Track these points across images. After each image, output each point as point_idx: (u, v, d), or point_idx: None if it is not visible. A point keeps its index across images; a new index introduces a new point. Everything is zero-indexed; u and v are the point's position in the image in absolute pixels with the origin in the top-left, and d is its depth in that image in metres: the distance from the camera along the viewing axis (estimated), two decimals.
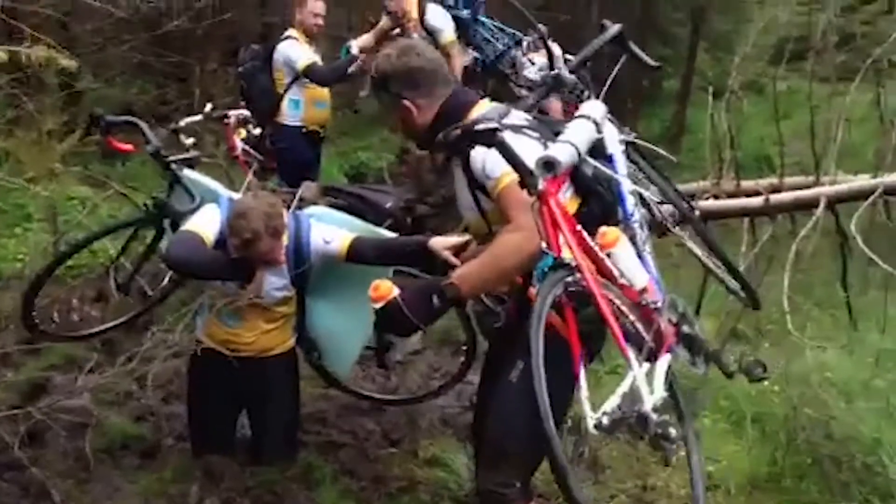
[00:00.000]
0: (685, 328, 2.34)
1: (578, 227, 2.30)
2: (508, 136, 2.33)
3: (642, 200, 2.67)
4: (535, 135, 2.56)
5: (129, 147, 4.08)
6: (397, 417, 4.01)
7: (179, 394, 3.79)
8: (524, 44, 5.57)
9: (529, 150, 2.40)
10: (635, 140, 2.85)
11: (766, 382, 3.82)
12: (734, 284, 2.87)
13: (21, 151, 6.07)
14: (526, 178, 2.24)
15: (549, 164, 2.21)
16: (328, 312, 3.50)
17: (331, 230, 3.29)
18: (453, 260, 2.81)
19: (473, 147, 2.38)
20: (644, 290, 2.31)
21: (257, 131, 5.10)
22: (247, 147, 5.31)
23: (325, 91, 5.43)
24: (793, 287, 4.93)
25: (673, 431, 1.96)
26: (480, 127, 2.26)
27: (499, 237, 2.45)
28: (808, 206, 4.23)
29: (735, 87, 6.43)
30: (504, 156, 2.26)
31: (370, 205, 3.54)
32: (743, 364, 2.45)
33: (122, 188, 5.52)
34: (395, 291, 2.43)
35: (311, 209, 3.46)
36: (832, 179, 4.97)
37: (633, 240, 2.49)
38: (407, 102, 2.64)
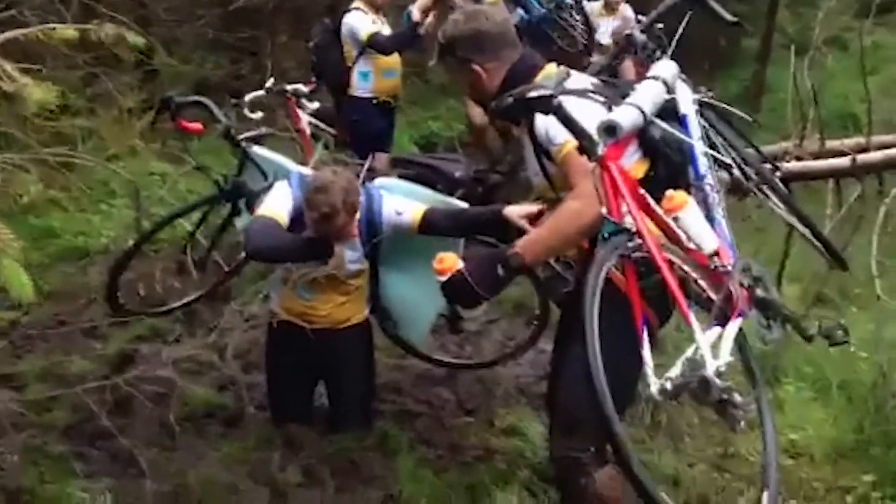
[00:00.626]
0: (759, 292, 2.27)
1: (642, 192, 2.26)
2: (568, 102, 2.29)
3: (720, 162, 2.60)
4: (601, 98, 2.52)
5: (198, 126, 4.14)
6: (472, 387, 4.01)
7: (259, 364, 3.87)
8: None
9: (593, 114, 2.37)
10: (711, 101, 2.77)
11: (852, 348, 3.72)
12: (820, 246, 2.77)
13: (103, 129, 6.27)
14: (585, 143, 2.22)
15: (610, 129, 2.19)
16: (401, 282, 3.51)
17: (403, 202, 3.28)
18: (529, 228, 2.78)
19: (529, 114, 2.34)
20: (715, 254, 2.26)
21: (314, 105, 5.14)
22: (314, 121, 5.36)
23: (394, 60, 5.41)
24: (882, 250, 4.73)
25: (737, 397, 1.93)
26: (533, 94, 2.23)
27: (561, 205, 2.43)
28: None
29: (819, 42, 6.17)
30: (562, 122, 2.23)
31: (440, 174, 3.52)
32: (823, 328, 2.37)
33: (199, 164, 5.63)
34: (460, 264, 2.42)
35: (382, 180, 3.46)
36: None
37: (705, 202, 2.43)
38: (476, 66, 2.63)
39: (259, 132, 4.06)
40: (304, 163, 4.55)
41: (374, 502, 3.08)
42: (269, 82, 4.96)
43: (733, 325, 2.13)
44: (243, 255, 3.97)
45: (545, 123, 2.43)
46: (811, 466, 3.29)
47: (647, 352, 2.05)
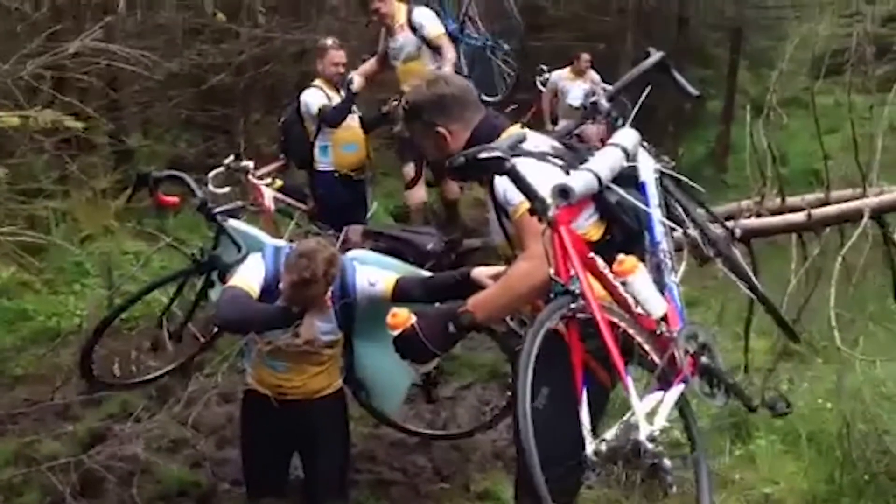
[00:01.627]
0: (705, 359, 2.37)
1: (591, 255, 2.33)
2: (524, 163, 2.38)
3: (679, 231, 2.68)
4: (560, 162, 2.59)
5: (175, 200, 4.22)
6: (448, 453, 4.01)
7: (232, 439, 3.86)
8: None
9: (549, 176, 2.44)
10: (670, 170, 2.85)
11: (819, 400, 3.78)
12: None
13: (77, 211, 6.33)
14: (536, 205, 2.29)
15: (563, 192, 2.27)
16: (375, 353, 3.53)
17: (375, 272, 3.34)
18: None
19: (481, 173, 2.42)
20: (662, 319, 2.34)
21: (278, 182, 5.26)
22: (282, 196, 5.46)
23: (353, 134, 5.55)
24: (845, 302, 4.83)
25: (667, 462, 2.01)
26: (484, 155, 2.30)
27: (513, 265, 2.51)
28: (853, 218, 4.13)
29: (773, 103, 6.36)
30: (515, 182, 2.31)
31: (412, 247, 3.57)
32: (766, 399, 2.45)
33: (173, 240, 5.68)
34: (413, 319, 2.49)
35: (353, 252, 3.51)
36: (879, 191, 4.87)
37: (658, 269, 2.51)
38: (441, 129, 2.71)
39: (235, 205, 4.12)
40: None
41: None
42: (229, 159, 5.06)
43: (674, 391, 2.21)
44: (216, 327, 3.99)
45: (503, 185, 2.50)
46: None
47: (584, 413, 2.10)
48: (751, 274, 2.78)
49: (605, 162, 2.52)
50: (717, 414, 4.05)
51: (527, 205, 2.35)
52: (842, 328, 3.94)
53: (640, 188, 2.66)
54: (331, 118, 5.41)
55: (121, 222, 6.21)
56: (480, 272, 3.00)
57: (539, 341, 2.12)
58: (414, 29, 5.49)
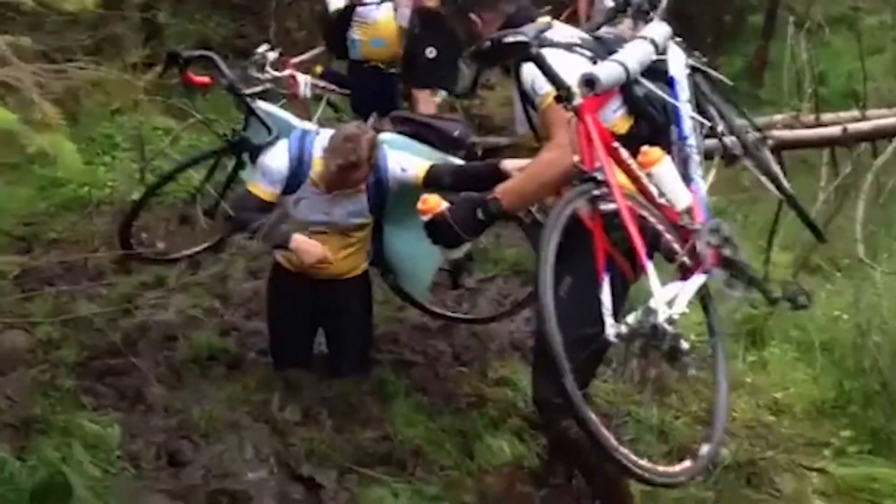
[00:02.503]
0: (727, 252, 2.41)
1: (616, 144, 2.35)
2: (550, 52, 2.38)
3: (708, 128, 2.68)
4: (588, 53, 2.59)
5: (206, 80, 4.23)
6: (467, 340, 4.12)
7: (259, 311, 3.98)
8: None
9: (575, 66, 2.45)
10: (704, 67, 2.83)
11: (836, 312, 3.84)
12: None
13: (107, 83, 6.32)
14: (562, 93, 2.30)
15: (589, 82, 2.27)
16: (403, 237, 3.60)
17: (407, 158, 3.37)
18: None
19: (505, 59, 2.44)
20: (687, 212, 2.38)
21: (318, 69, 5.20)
22: (323, 83, 5.45)
23: (382, 29, 5.44)
24: (874, 219, 4.84)
25: (685, 344, 2.06)
26: (510, 39, 2.32)
27: (540, 152, 2.54)
28: (888, 134, 4.11)
29: (818, 19, 6.22)
30: (541, 69, 2.33)
31: (438, 132, 3.59)
32: (787, 292, 2.49)
33: (203, 118, 5.70)
34: (443, 205, 2.56)
35: (384, 135, 3.53)
36: None
37: (685, 162, 2.52)
38: (473, 15, 2.74)
39: (264, 87, 4.13)
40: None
41: (370, 442, 3.19)
42: (262, 48, 5.01)
43: (695, 280, 2.27)
44: None
45: (531, 73, 2.50)
46: (792, 422, 3.42)
47: (606, 296, 2.16)
48: (780, 175, 2.77)
49: (634, 54, 2.51)
50: (735, 322, 4.15)
51: (553, 94, 2.37)
52: (866, 244, 3.98)
53: (669, 82, 2.64)
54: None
55: (149, 97, 6.20)
56: (510, 163, 3.04)
57: (563, 220, 2.16)
58: None
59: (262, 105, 3.92)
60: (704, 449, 2.25)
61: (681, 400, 3.56)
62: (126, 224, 4.24)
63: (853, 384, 3.37)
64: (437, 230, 2.59)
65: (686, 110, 2.59)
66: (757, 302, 2.75)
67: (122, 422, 3.11)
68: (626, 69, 2.40)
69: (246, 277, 4.39)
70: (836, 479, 3.04)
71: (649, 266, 2.17)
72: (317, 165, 3.31)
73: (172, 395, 3.37)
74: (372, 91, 5.48)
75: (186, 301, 3.88)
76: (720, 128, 2.68)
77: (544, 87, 2.45)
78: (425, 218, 2.59)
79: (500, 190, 2.57)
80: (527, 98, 2.61)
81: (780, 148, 4.33)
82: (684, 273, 2.32)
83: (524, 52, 2.33)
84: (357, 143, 3.13)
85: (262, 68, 4.96)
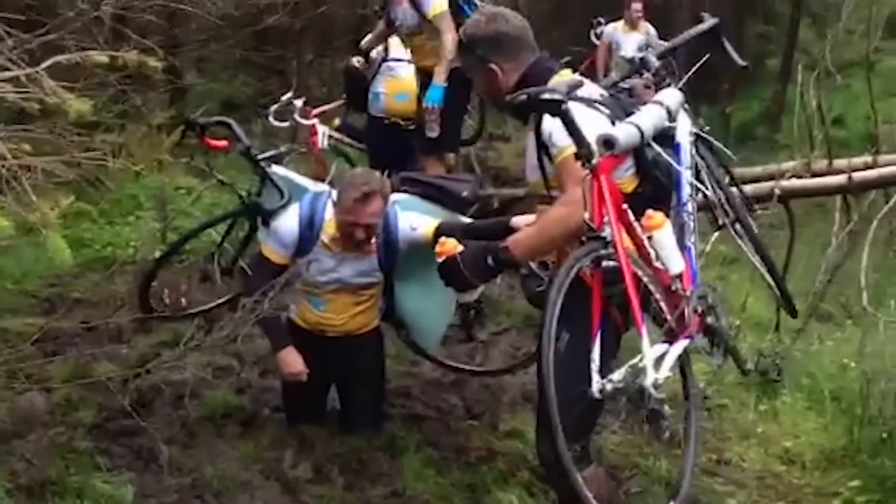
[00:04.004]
0: (710, 320, 2.52)
1: (625, 206, 2.43)
2: (575, 108, 2.44)
3: (702, 194, 2.75)
4: (606, 111, 2.65)
5: (223, 144, 4.37)
6: (479, 394, 4.15)
7: (274, 368, 4.04)
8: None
9: (595, 124, 2.52)
10: (706, 136, 2.91)
11: (845, 360, 3.84)
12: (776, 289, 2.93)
13: (132, 145, 6.53)
14: (583, 151, 2.37)
15: (608, 142, 2.35)
16: (414, 293, 3.67)
17: (416, 217, 3.46)
18: None
19: (538, 112, 2.51)
20: (678, 277, 2.46)
21: (336, 121, 5.32)
22: (337, 135, 5.58)
23: (407, 84, 5.57)
24: (884, 267, 4.84)
25: (667, 409, 2.15)
26: (546, 96, 2.39)
27: (551, 207, 2.60)
28: (894, 183, 4.13)
29: (829, 62, 6.27)
30: (566, 126, 2.39)
31: (447, 193, 3.66)
32: (760, 364, 2.57)
33: (224, 178, 5.87)
34: (459, 249, 2.66)
35: (395, 196, 3.62)
36: None
37: (681, 228, 2.60)
38: (493, 66, 2.78)
39: (278, 151, 4.26)
40: (318, 178, 4.76)
41: (379, 499, 3.22)
42: (287, 95, 5.17)
43: (679, 345, 2.36)
44: None
45: (551, 125, 2.57)
46: (802, 472, 3.41)
47: (596, 352, 2.24)
48: (763, 244, 2.85)
49: (649, 118, 2.59)
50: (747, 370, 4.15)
51: (571, 149, 2.43)
52: (876, 291, 3.99)
53: (674, 148, 2.73)
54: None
55: (174, 158, 6.39)
56: (520, 220, 3.11)
57: (569, 280, 2.23)
58: (414, 5, 5.01)
59: (276, 169, 4.04)
60: None
61: None
62: (145, 284, 4.36)
63: (862, 433, 3.36)
64: (449, 273, 2.68)
65: (687, 177, 2.67)
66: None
67: (136, 482, 3.16)
68: (642, 133, 2.49)
69: (261, 335, 4.47)
70: None
71: (644, 328, 2.24)
72: (329, 228, 3.41)
73: (186, 454, 3.42)
74: (390, 147, 5.58)
75: (202, 359, 3.95)
76: (710, 194, 2.76)
77: (563, 141, 2.51)
78: (440, 259, 2.70)
79: (512, 241, 2.65)
80: (543, 147, 2.67)
81: (787, 197, 4.37)
82: (669, 337, 2.40)
83: (556, 109, 2.40)
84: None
85: (289, 116, 5.13)
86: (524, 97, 2.44)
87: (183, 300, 4.83)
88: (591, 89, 2.75)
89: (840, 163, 5.20)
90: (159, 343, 4.30)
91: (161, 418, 3.64)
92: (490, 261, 2.61)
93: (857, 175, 4.26)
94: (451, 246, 2.69)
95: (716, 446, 3.60)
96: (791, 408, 3.79)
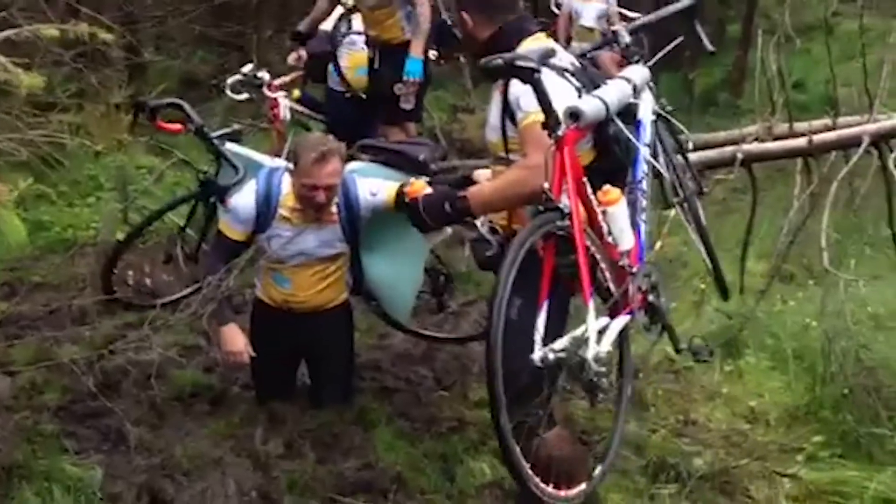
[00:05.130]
0: (652, 298, 2.59)
1: (584, 180, 2.46)
2: (547, 77, 2.46)
3: (656, 173, 2.79)
4: (576, 83, 2.67)
5: (177, 127, 4.31)
6: (449, 365, 4.17)
7: None
8: None
9: (564, 95, 2.54)
10: (668, 115, 2.96)
11: (807, 320, 3.91)
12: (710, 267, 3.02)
13: (90, 124, 6.41)
14: (550, 121, 2.39)
15: (574, 115, 2.37)
16: (382, 264, 3.65)
17: (375, 182, 3.44)
18: None
19: (510, 78, 2.53)
20: (626, 253, 2.51)
21: (296, 93, 5.25)
22: (299, 107, 5.52)
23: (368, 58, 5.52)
24: (845, 227, 4.91)
25: (605, 382, 2.25)
26: (520, 63, 2.41)
27: (512, 168, 2.65)
28: (853, 144, 4.18)
29: (787, 26, 6.30)
30: (536, 94, 2.41)
31: (405, 158, 3.65)
32: (692, 345, 2.65)
33: (185, 156, 5.79)
34: (426, 191, 2.80)
35: (352, 165, 3.59)
36: (887, 117, 4.88)
37: (633, 205, 2.63)
38: (465, 15, 2.84)
39: (233, 129, 4.22)
40: (277, 152, 4.72)
41: (352, 471, 3.22)
42: (247, 67, 5.08)
43: (621, 320, 2.44)
44: None
45: (520, 90, 2.59)
46: (766, 430, 3.49)
47: (541, 321, 2.30)
48: (705, 227, 2.92)
49: (615, 93, 2.61)
50: (712, 332, 4.21)
51: (537, 116, 2.46)
52: (837, 251, 4.06)
53: (636, 125, 2.75)
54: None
55: (134, 137, 6.29)
56: (481, 174, 3.13)
57: (523, 252, 2.26)
58: None
59: (230, 146, 4.00)
60: (598, 470, 2.51)
61: (658, 413, 3.61)
62: (108, 267, 4.31)
63: (823, 390, 3.43)
64: (411, 212, 2.80)
65: (645, 155, 2.70)
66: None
67: (104, 464, 3.14)
68: (607, 107, 2.50)
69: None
70: (807, 484, 3.10)
71: (591, 301, 2.30)
72: (287, 201, 3.38)
73: (155, 434, 3.40)
74: (350, 120, 5.53)
75: (168, 339, 3.92)
76: (665, 174, 2.80)
77: (530, 107, 2.53)
78: (406, 199, 2.83)
79: (471, 192, 2.72)
80: (508, 109, 2.69)
81: (749, 161, 4.41)
82: (612, 311, 2.46)
83: (528, 77, 2.42)
84: (324, 139, 3.31)
85: (250, 88, 5.05)
86: (499, 61, 2.45)
87: (147, 282, 4.79)
88: (563, 57, 2.76)
89: (801, 126, 5.24)
90: (124, 324, 4.26)
91: (128, 399, 3.60)
92: (447, 207, 2.70)
93: (817, 138, 4.30)
94: (418, 187, 2.83)
95: (683, 408, 3.65)
96: (755, 368, 3.86)
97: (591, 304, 2.29)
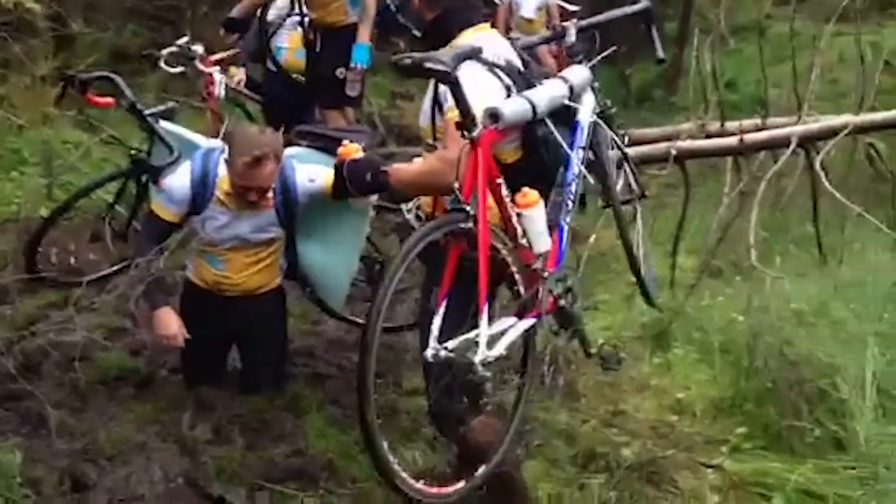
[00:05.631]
0: (563, 302, 2.62)
1: (500, 181, 2.45)
2: (468, 74, 2.43)
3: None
4: (507, 80, 2.64)
5: (108, 101, 4.19)
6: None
7: None
8: None
9: (488, 93, 2.52)
10: (609, 118, 2.95)
11: (734, 314, 4.02)
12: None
13: (15, 96, 6.17)
14: (466, 121, 2.37)
15: (493, 116, 2.36)
16: (317, 249, 3.62)
17: (314, 168, 3.39)
18: None
19: (424, 77, 2.48)
20: (542, 256, 2.52)
21: (217, 69, 5.11)
22: (240, 88, 5.40)
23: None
24: (772, 224, 5.06)
25: (489, 388, 2.31)
26: (429, 65, 2.36)
27: (430, 156, 2.65)
28: (781, 145, 4.32)
29: (722, 26, 6.45)
30: (453, 94, 2.38)
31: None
32: (603, 351, 2.72)
33: (114, 133, 5.62)
34: (356, 156, 2.82)
35: (290, 150, 3.54)
36: (815, 119, 5.05)
37: (559, 206, 2.65)
38: None
39: (167, 106, 4.10)
40: (213, 133, 4.61)
41: (282, 457, 3.18)
42: (182, 40, 4.92)
43: (525, 323, 2.46)
44: None
45: None
46: (692, 421, 3.56)
47: (437, 319, 2.33)
48: (630, 234, 2.95)
49: (547, 94, 2.60)
50: (643, 324, 4.29)
51: (457, 114, 2.42)
52: (764, 249, 4.17)
53: (573, 126, 2.75)
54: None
55: (60, 110, 6.07)
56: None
57: (419, 247, 2.28)
58: None
59: (164, 125, 3.90)
60: (480, 470, 2.52)
61: (588, 404, 3.67)
62: (32, 243, 4.15)
63: (748, 384, 3.53)
64: (338, 175, 2.85)
65: (578, 159, 2.69)
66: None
67: (24, 447, 3.03)
68: (535, 110, 2.49)
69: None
70: (731, 475, 3.17)
71: (485, 307, 2.31)
72: (223, 184, 3.31)
73: (77, 418, 3.30)
74: (288, 102, 5.45)
75: (93, 321, 3.81)
76: (590, 178, 2.80)
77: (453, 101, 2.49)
78: (338, 161, 2.84)
79: (393, 168, 2.72)
80: (437, 99, 2.67)
81: (682, 158, 4.50)
82: (521, 312, 2.49)
83: (442, 78, 2.38)
84: (258, 140, 3.16)
85: (190, 60, 4.90)
86: (407, 61, 2.40)
87: (72, 260, 4.64)
88: (499, 49, 2.72)
89: (732, 125, 5.38)
90: (47, 304, 4.14)
91: (50, 382, 3.50)
92: (369, 176, 2.73)
93: (747, 137, 4.43)
94: (351, 150, 2.85)
95: (612, 398, 3.71)
96: (683, 360, 3.94)
97: (485, 308, 2.30)
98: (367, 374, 2.23)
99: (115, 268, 4.30)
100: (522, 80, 2.68)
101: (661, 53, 3.16)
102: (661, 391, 3.74)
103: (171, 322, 3.34)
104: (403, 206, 2.89)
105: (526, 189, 2.51)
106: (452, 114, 2.49)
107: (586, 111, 2.79)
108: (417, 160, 3.12)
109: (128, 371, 3.69)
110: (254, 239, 3.40)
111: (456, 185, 2.37)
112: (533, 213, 2.49)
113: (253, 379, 3.62)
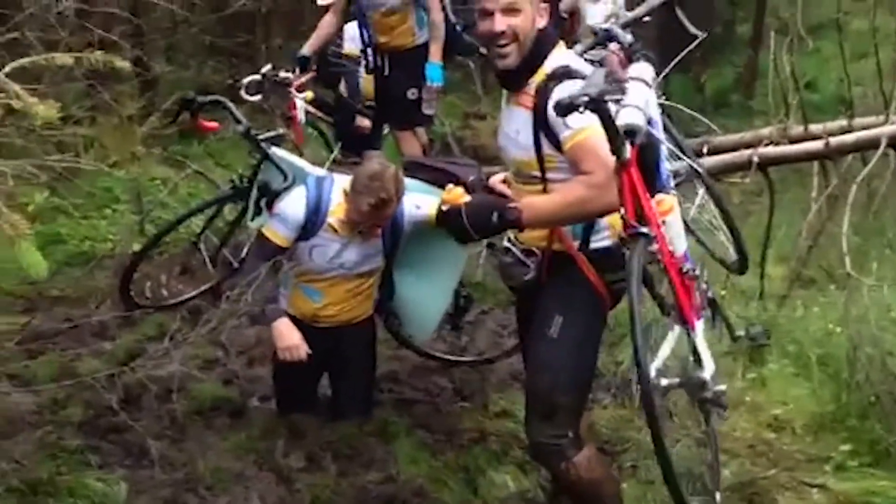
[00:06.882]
0: (710, 293, 2.54)
1: (648, 196, 2.35)
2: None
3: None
4: (615, 97, 2.56)
5: (215, 126, 4.34)
6: (468, 374, 4.15)
7: (261, 358, 4.02)
8: None
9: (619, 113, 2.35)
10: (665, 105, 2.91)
11: (830, 325, 3.87)
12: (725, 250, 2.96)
13: (104, 137, 6.42)
14: (617, 145, 2.24)
15: (630, 132, 2.20)
16: (414, 283, 3.66)
17: (420, 197, 3.41)
18: (507, 191, 2.81)
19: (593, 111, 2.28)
20: (682, 257, 2.42)
21: (302, 95, 5.21)
22: (312, 109, 5.52)
23: None
24: (864, 229, 4.87)
25: (725, 400, 2.29)
26: (607, 97, 2.23)
27: (572, 184, 2.49)
28: (870, 146, 4.16)
29: (800, 26, 6.28)
30: (604, 125, 2.24)
31: (453, 179, 3.57)
32: (749, 331, 2.60)
33: (199, 167, 5.80)
34: (465, 199, 2.61)
35: None
36: None
37: None
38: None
39: (277, 132, 4.18)
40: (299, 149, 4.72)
41: (374, 484, 3.21)
42: (266, 68, 5.05)
43: (699, 326, 2.38)
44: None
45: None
46: (792, 438, 3.44)
47: (665, 346, 2.29)
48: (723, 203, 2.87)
49: (643, 97, 2.41)
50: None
51: (590, 132, 2.35)
52: (858, 255, 4.01)
53: (650, 124, 2.67)
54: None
55: (147, 149, 6.30)
56: (496, 179, 2.91)
57: (641, 270, 2.26)
58: None
59: (277, 151, 3.98)
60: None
61: (680, 424, 3.57)
62: (126, 278, 4.31)
63: (850, 398, 3.39)
64: (451, 221, 2.61)
65: (665, 153, 2.63)
66: None
67: (129, 479, 3.14)
68: (645, 116, 2.34)
69: (246, 324, 4.44)
70: (837, 495, 3.06)
71: (699, 325, 2.31)
72: (337, 212, 3.36)
73: (177, 448, 3.40)
74: (361, 130, 5.56)
75: (188, 353, 3.91)
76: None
77: (578, 123, 2.37)
78: (444, 207, 2.64)
79: (525, 203, 2.54)
80: (544, 127, 2.51)
81: (765, 165, 4.39)
82: (686, 317, 2.37)
83: (602, 112, 2.23)
84: (382, 180, 3.16)
85: (278, 85, 5.04)
86: (584, 98, 2.19)
87: (164, 292, 4.79)
88: (582, 66, 2.60)
89: (816, 128, 5.22)
90: (144, 338, 4.27)
91: (149, 414, 3.61)
92: (495, 217, 2.52)
93: (833, 140, 4.28)
94: (457, 194, 2.64)
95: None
96: (778, 375, 3.81)
97: (700, 327, 2.29)
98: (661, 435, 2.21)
99: (202, 289, 4.48)
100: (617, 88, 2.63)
101: (694, 30, 3.09)
102: (756, 408, 3.62)
103: (292, 333, 3.39)
104: (505, 241, 2.80)
105: (660, 196, 2.41)
106: (584, 133, 2.40)
107: (654, 105, 2.66)
108: (498, 177, 3.03)
109: (222, 401, 3.78)
110: (358, 269, 3.45)
111: (622, 211, 2.30)
112: (672, 218, 2.40)
113: (343, 406, 3.66)
